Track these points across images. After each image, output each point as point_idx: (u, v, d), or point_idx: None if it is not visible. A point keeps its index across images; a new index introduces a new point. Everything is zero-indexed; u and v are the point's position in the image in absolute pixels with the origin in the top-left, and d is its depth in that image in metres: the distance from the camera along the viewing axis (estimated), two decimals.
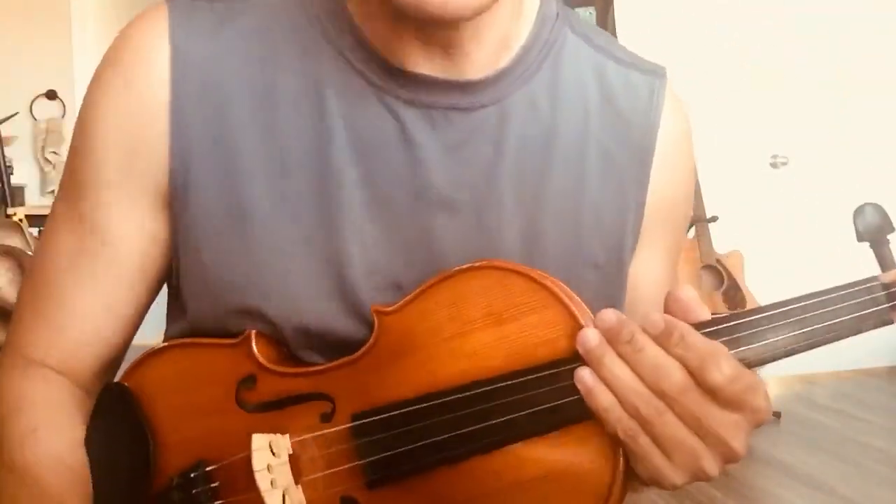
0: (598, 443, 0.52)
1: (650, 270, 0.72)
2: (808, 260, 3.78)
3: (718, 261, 3.36)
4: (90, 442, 0.65)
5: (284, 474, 0.58)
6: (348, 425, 0.58)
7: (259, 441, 0.57)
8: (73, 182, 0.66)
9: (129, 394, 0.65)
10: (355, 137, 0.63)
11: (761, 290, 3.37)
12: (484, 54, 0.64)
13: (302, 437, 0.59)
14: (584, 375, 0.51)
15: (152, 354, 0.65)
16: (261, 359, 0.61)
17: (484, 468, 0.54)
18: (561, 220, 0.63)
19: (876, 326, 0.52)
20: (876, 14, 3.68)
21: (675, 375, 0.49)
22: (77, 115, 0.67)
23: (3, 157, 3.24)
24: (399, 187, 0.63)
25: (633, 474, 0.53)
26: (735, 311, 0.52)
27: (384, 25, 0.63)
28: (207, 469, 0.61)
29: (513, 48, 0.66)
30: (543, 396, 0.53)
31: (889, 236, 0.53)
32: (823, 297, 0.53)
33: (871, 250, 0.54)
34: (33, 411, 0.65)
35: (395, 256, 0.62)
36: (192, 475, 0.61)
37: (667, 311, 0.53)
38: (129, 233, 0.65)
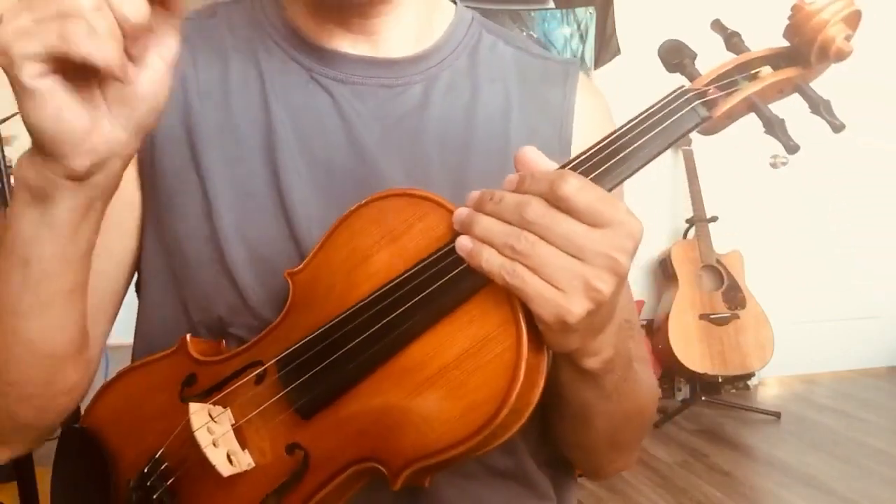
0: (499, 308, 0.54)
1: None
2: (808, 260, 3.78)
3: (718, 261, 3.36)
4: (55, 486, 0.68)
5: (229, 438, 0.60)
6: (274, 369, 0.60)
7: (195, 406, 0.60)
8: None
9: (87, 435, 0.68)
10: (294, 112, 0.71)
11: (761, 290, 3.37)
12: (403, 36, 0.74)
13: (238, 401, 0.61)
14: (463, 241, 0.54)
15: (106, 387, 0.69)
16: (197, 356, 0.65)
17: (405, 366, 0.56)
18: (488, 182, 0.66)
19: (697, 125, 0.57)
20: (876, 14, 3.68)
21: (533, 203, 0.52)
22: None
23: (3, 157, 3.24)
24: (335, 153, 0.70)
25: (549, 335, 0.54)
26: (578, 154, 0.57)
27: (312, 16, 0.73)
28: (157, 456, 0.63)
29: (432, 38, 0.76)
30: (436, 275, 0.55)
31: (695, 61, 0.60)
32: (648, 113, 0.57)
33: (682, 77, 0.60)
34: None
35: (335, 215, 0.65)
36: (145, 470, 0.63)
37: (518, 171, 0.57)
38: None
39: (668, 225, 3.56)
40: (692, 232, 3.42)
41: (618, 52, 3.26)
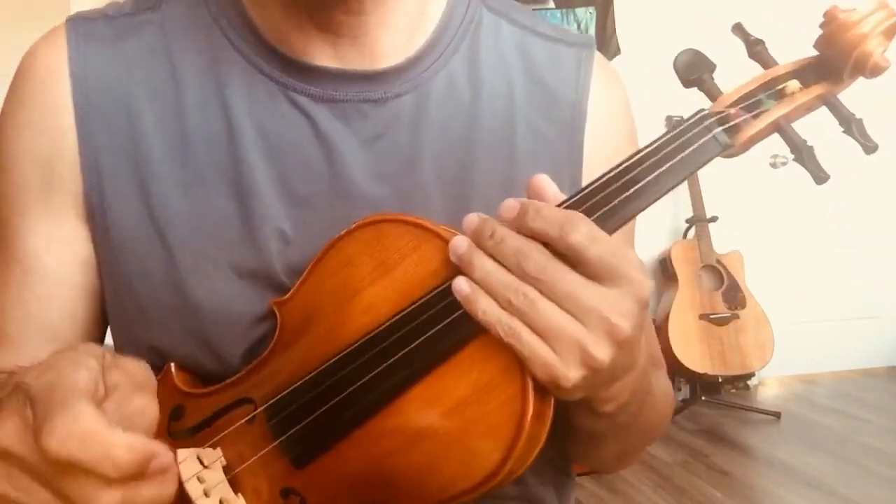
0: (502, 353, 0.50)
1: None
2: (808, 260, 3.78)
3: (718, 261, 3.36)
4: None
5: (221, 486, 0.57)
6: (264, 416, 0.57)
7: (183, 453, 0.56)
8: (0, 219, 0.65)
9: None
10: (265, 139, 0.61)
11: (761, 290, 3.37)
12: (393, 40, 0.63)
13: (230, 443, 0.58)
14: (460, 283, 0.50)
15: None
16: (183, 387, 0.61)
17: (402, 412, 0.52)
18: (492, 204, 0.61)
19: (718, 153, 0.52)
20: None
21: (535, 254, 0.48)
22: None
23: None
24: (316, 186, 0.61)
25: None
26: (587, 184, 0.52)
27: (285, 21, 0.62)
28: None
29: (425, 31, 0.65)
30: (434, 319, 0.52)
31: (714, 74, 0.55)
32: (663, 141, 0.52)
33: (699, 91, 0.55)
34: None
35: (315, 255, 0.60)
36: None
37: None
38: (56, 255, 0.63)
39: (668, 225, 3.56)
40: (692, 232, 3.41)
41: (618, 52, 3.25)
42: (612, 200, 0.51)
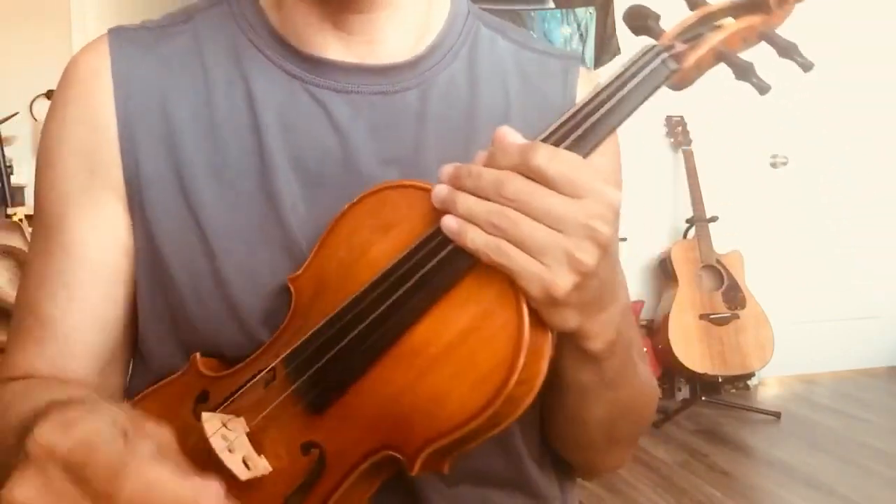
0: (495, 282, 0.54)
1: None
2: (808, 260, 3.78)
3: (718, 261, 3.36)
4: None
5: (243, 445, 0.60)
6: (282, 368, 0.60)
7: (206, 415, 0.59)
8: (40, 209, 0.70)
9: None
10: (285, 127, 0.68)
11: (761, 290, 3.37)
12: (403, 39, 0.70)
13: (249, 405, 0.60)
14: (447, 220, 0.54)
15: None
16: (208, 373, 0.64)
17: (409, 349, 0.56)
18: None
19: (667, 78, 0.58)
20: (876, 14, 3.68)
21: (510, 179, 0.52)
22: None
23: (3, 157, 3.24)
24: (331, 169, 0.68)
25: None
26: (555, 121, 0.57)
27: (303, 21, 0.69)
28: None
29: (428, 38, 0.72)
30: (429, 256, 0.56)
31: (659, 21, 0.62)
32: (619, 73, 0.58)
33: (649, 39, 0.61)
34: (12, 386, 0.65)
35: None
36: None
37: None
38: (98, 240, 0.68)
39: (668, 225, 3.57)
40: (692, 232, 3.42)
41: (618, 52, 3.26)
42: (575, 130, 0.56)
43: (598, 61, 3.26)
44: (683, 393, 3.54)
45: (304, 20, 0.69)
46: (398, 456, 0.56)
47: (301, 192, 0.67)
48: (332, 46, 0.69)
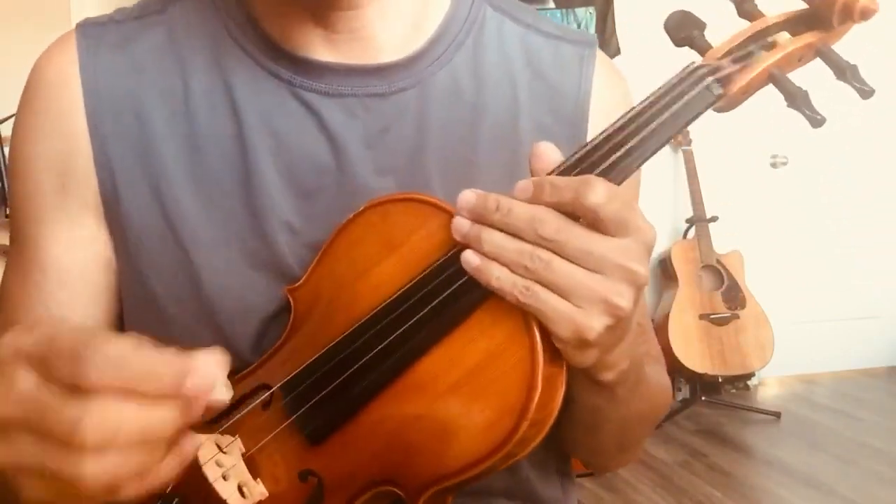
0: (509, 317, 0.51)
1: None
2: (808, 260, 3.78)
3: (718, 261, 3.36)
4: None
5: (239, 472, 0.57)
6: (280, 395, 0.57)
7: (200, 438, 0.57)
8: (15, 225, 0.66)
9: None
10: (272, 136, 0.62)
11: (761, 290, 3.37)
12: (393, 36, 0.64)
13: (247, 428, 0.58)
14: (468, 257, 0.50)
15: None
16: None
17: (414, 384, 0.53)
18: None
19: (712, 103, 0.53)
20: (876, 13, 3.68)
21: (549, 218, 0.49)
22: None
23: (3, 157, 3.24)
24: (322, 180, 0.63)
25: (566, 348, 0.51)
26: (588, 142, 0.53)
27: (285, 18, 0.63)
28: (167, 491, 0.59)
29: (428, 29, 0.66)
30: (441, 287, 0.52)
31: (705, 31, 0.56)
32: (658, 95, 0.53)
33: (692, 51, 0.56)
34: None
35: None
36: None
37: (532, 170, 0.52)
38: (75, 257, 0.64)
39: (668, 225, 3.56)
40: (692, 232, 3.41)
41: (618, 52, 3.25)
42: (611, 155, 0.51)
43: None
44: (683, 393, 3.54)
45: (288, 18, 0.63)
46: (399, 493, 0.54)
47: (292, 206, 0.62)
48: (319, 46, 0.63)
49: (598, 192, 0.48)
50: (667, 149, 3.53)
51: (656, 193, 3.52)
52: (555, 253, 0.48)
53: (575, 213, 0.49)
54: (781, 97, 0.55)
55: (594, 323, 0.49)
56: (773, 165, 3.71)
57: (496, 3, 0.70)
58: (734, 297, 3.31)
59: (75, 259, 0.64)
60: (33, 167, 0.64)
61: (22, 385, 0.39)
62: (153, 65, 0.64)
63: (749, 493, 2.69)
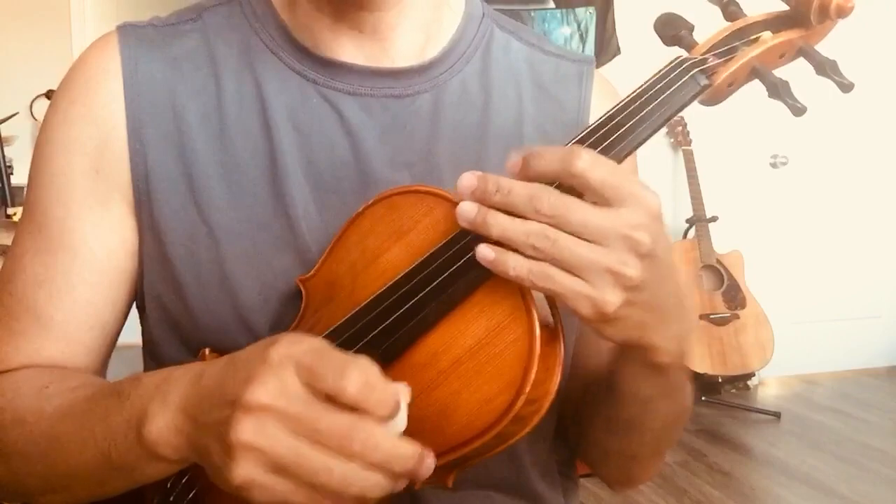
0: (509, 297, 0.53)
1: None
2: (808, 260, 3.78)
3: (718, 261, 3.36)
4: None
5: None
6: None
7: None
8: (38, 208, 0.67)
9: None
10: (297, 130, 0.67)
11: (761, 290, 3.37)
12: (408, 43, 0.69)
13: None
14: (483, 251, 0.51)
15: None
16: None
17: (417, 362, 0.55)
18: None
19: (698, 94, 0.56)
20: (876, 13, 3.68)
21: (546, 193, 0.50)
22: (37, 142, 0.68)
23: (3, 157, 3.24)
24: (342, 173, 0.66)
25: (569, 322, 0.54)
26: (578, 132, 0.56)
27: (314, 21, 0.67)
28: (180, 472, 0.61)
29: (441, 42, 0.71)
30: (442, 267, 0.54)
31: (692, 32, 0.59)
32: (646, 86, 0.56)
33: (680, 49, 0.59)
34: (18, 390, 0.64)
35: None
36: (167, 486, 0.62)
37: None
38: (103, 241, 0.66)
39: (668, 225, 3.57)
40: (692, 232, 3.42)
41: (618, 52, 3.25)
42: (604, 141, 0.54)
43: (598, 61, 3.26)
44: None
45: (316, 20, 0.67)
46: None
47: (312, 196, 0.66)
48: (344, 48, 0.68)
49: (583, 158, 0.49)
50: (667, 149, 3.54)
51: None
52: (559, 229, 0.49)
53: (570, 187, 0.50)
54: (785, 65, 0.58)
55: (608, 296, 0.49)
56: (773, 165, 3.71)
57: (503, 24, 0.76)
58: (734, 297, 3.32)
59: (105, 243, 0.66)
60: (65, 150, 0.66)
61: (291, 387, 0.46)
62: (189, 64, 0.68)
63: (749, 493, 2.69)
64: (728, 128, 3.53)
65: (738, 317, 3.29)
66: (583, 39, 3.22)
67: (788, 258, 3.73)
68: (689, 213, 3.40)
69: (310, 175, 0.66)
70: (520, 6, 3.17)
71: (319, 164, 0.66)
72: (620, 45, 3.26)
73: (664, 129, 3.52)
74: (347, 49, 0.68)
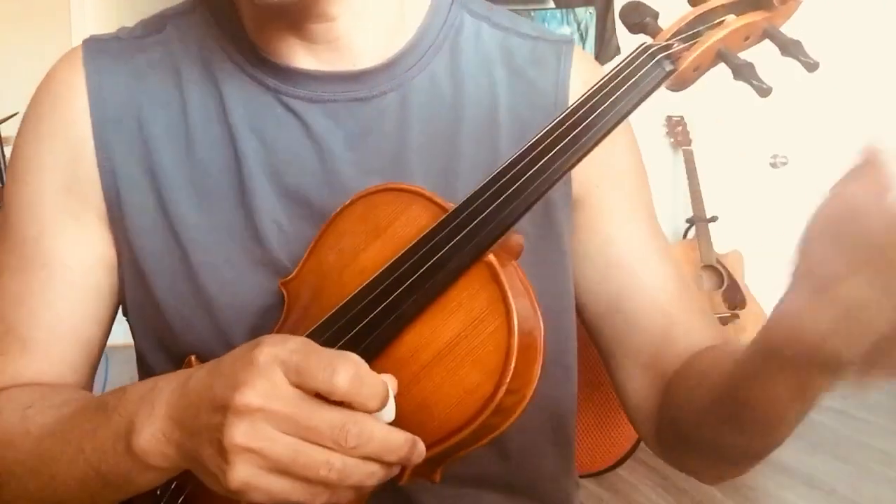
0: (486, 289, 0.54)
1: (621, 235, 0.71)
2: None
3: (718, 261, 3.36)
4: None
5: None
6: None
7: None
8: (13, 227, 0.67)
9: None
10: (261, 141, 0.66)
11: (761, 290, 3.37)
12: (371, 42, 0.67)
13: None
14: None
15: None
16: None
17: (398, 357, 0.55)
18: None
19: (664, 80, 0.56)
20: (876, 13, 3.68)
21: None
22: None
23: (3, 157, 3.24)
24: (309, 182, 0.66)
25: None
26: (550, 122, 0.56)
27: (267, 30, 0.66)
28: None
29: (405, 35, 0.69)
30: (420, 262, 0.55)
31: (657, 19, 0.60)
32: (612, 73, 0.56)
33: (646, 37, 0.60)
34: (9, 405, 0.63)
35: None
36: (157, 492, 0.62)
37: None
38: (79, 258, 0.66)
39: (668, 225, 3.56)
40: (692, 232, 3.42)
41: (618, 51, 3.26)
42: (570, 132, 0.54)
43: (598, 61, 3.27)
44: None
45: (269, 30, 0.66)
46: None
47: (281, 206, 0.65)
48: (300, 56, 0.66)
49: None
50: (667, 149, 3.54)
51: (656, 193, 3.50)
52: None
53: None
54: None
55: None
56: (773, 165, 3.71)
57: (474, 10, 0.73)
58: (734, 297, 3.31)
59: (81, 259, 0.66)
60: (37, 168, 0.66)
61: (281, 387, 0.46)
62: (153, 76, 0.67)
63: (749, 493, 2.69)
64: (728, 128, 3.53)
65: (737, 317, 3.29)
66: (583, 39, 3.22)
67: (788, 258, 3.73)
68: (689, 213, 3.39)
69: (277, 185, 0.65)
70: (520, 6, 3.17)
71: (286, 175, 0.65)
72: (620, 45, 3.26)
73: (664, 130, 3.52)
74: (304, 57, 0.66)
